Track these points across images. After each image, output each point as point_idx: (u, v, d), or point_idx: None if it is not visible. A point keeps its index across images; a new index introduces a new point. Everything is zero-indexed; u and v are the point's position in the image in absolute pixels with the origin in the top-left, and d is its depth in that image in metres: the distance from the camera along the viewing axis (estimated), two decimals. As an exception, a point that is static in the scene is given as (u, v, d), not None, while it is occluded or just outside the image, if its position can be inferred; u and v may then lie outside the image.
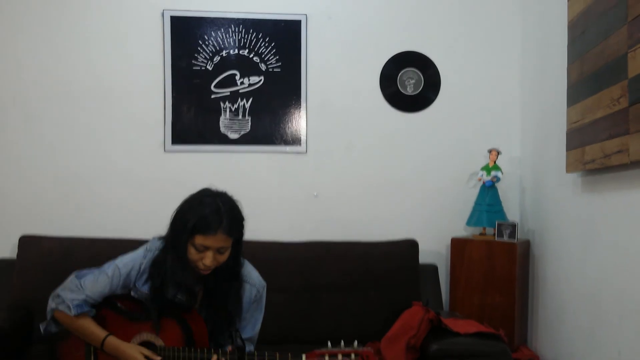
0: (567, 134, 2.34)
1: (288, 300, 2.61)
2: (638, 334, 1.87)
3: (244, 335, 1.95)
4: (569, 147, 2.31)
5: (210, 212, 1.76)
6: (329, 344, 1.69)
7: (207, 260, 1.76)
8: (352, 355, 1.66)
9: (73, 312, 1.82)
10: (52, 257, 2.58)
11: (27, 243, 2.65)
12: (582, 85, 2.21)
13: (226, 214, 1.77)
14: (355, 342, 1.68)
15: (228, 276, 1.89)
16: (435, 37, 3.06)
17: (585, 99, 2.17)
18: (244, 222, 1.85)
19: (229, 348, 1.81)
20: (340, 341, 1.69)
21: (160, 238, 1.92)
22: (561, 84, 2.43)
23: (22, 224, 2.80)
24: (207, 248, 1.76)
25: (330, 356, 1.66)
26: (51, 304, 1.88)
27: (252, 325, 1.99)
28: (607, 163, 1.98)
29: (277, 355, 1.75)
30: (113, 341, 1.83)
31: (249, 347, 1.96)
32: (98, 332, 1.85)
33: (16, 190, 2.88)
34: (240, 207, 1.85)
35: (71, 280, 1.90)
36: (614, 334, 2.03)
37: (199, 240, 1.74)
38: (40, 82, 2.90)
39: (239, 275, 1.92)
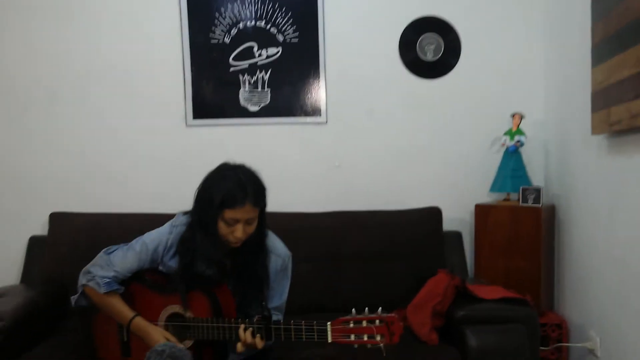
0: (592, 95, 2.28)
1: (313, 270, 2.63)
2: (667, 295, 1.86)
3: (272, 304, 1.97)
4: (594, 109, 2.26)
5: (234, 185, 1.77)
6: (354, 311, 1.70)
7: (238, 232, 1.78)
8: (377, 322, 1.67)
9: (102, 289, 1.86)
10: (81, 233, 2.65)
11: (57, 220, 2.72)
12: (607, 44, 2.14)
13: (250, 184, 1.79)
14: (380, 309, 1.70)
15: (254, 247, 1.91)
16: (455, 0, 2.98)
17: (610, 59, 2.11)
18: (265, 192, 1.86)
19: (256, 318, 1.83)
20: (364, 308, 1.71)
21: (185, 213, 1.94)
22: (585, 44, 2.36)
23: (51, 201, 2.87)
24: (237, 221, 1.77)
25: (354, 323, 1.68)
26: (82, 279, 1.92)
27: (279, 295, 2.01)
28: (634, 124, 1.93)
29: (303, 323, 1.77)
30: (140, 322, 1.87)
31: (278, 316, 1.99)
32: (126, 312, 1.89)
33: (45, 170, 2.95)
34: (260, 176, 1.86)
35: (100, 256, 1.93)
36: (642, 296, 2.01)
37: (229, 214, 1.76)
38: (62, 63, 2.93)
39: (264, 246, 1.94)
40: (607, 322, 2.30)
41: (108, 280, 1.88)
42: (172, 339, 1.85)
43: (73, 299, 1.97)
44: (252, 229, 1.83)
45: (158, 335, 1.85)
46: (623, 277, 2.15)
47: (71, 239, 2.64)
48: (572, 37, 2.61)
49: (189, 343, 1.86)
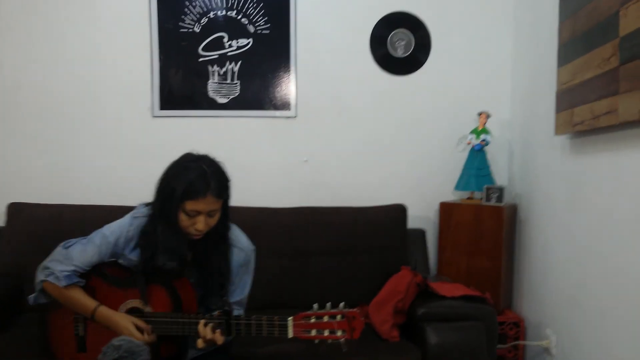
0: (556, 96, 2.31)
1: (277, 266, 2.62)
2: (622, 296, 1.89)
3: (234, 299, 1.95)
4: (559, 109, 2.29)
5: (196, 176, 1.74)
6: (315, 306, 1.70)
7: (200, 224, 1.76)
8: (338, 317, 1.67)
9: (63, 282, 1.81)
10: (40, 225, 2.57)
11: (15, 210, 2.64)
12: (573, 44, 2.17)
13: (213, 176, 1.76)
14: (342, 304, 1.69)
15: (216, 239, 1.88)
16: (426, -3, 2.99)
17: (576, 59, 2.14)
18: (229, 183, 1.83)
19: (217, 313, 1.81)
20: (326, 304, 1.70)
21: (147, 204, 1.91)
22: (552, 44, 2.39)
23: (10, 191, 2.78)
24: (198, 213, 1.75)
25: (316, 318, 1.68)
26: (40, 275, 1.86)
27: (241, 289, 1.99)
28: (596, 124, 1.96)
29: (264, 318, 1.75)
30: (104, 311, 1.83)
31: (239, 311, 1.97)
32: (88, 302, 1.84)
33: (3, 159, 2.87)
34: (224, 168, 1.83)
35: (59, 251, 1.88)
36: (597, 296, 2.05)
37: (190, 205, 1.73)
38: (26, 48, 2.85)
39: (227, 238, 1.91)
40: (562, 321, 2.34)
41: (67, 273, 1.83)
42: (139, 322, 1.81)
43: (31, 298, 1.91)
44: (214, 221, 1.80)
45: (125, 321, 1.81)
46: (579, 277, 2.19)
47: (30, 231, 2.56)
48: (540, 36, 2.64)
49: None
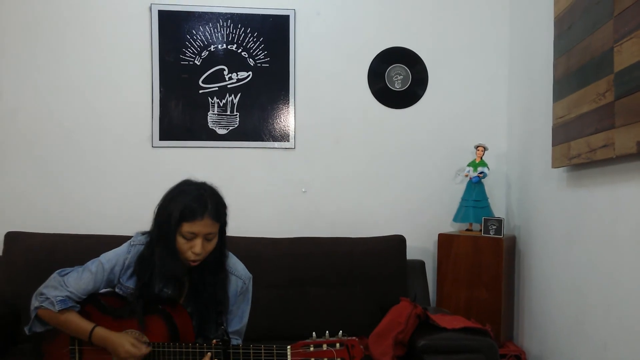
0: (552, 129, 2.35)
1: (276, 296, 2.60)
2: (624, 326, 1.89)
3: (232, 328, 1.94)
4: (555, 143, 2.32)
5: (193, 198, 1.76)
6: (314, 334, 1.69)
7: (197, 248, 1.75)
8: (337, 345, 1.66)
9: (57, 307, 1.79)
10: (38, 254, 2.56)
11: (13, 239, 2.62)
12: (568, 80, 2.22)
13: (210, 198, 1.78)
14: (340, 332, 1.68)
15: (213, 268, 1.88)
16: (423, 33, 3.06)
17: (571, 94, 2.18)
18: (226, 209, 1.85)
19: (214, 342, 1.79)
20: (325, 332, 1.69)
21: (144, 233, 1.91)
22: (547, 80, 2.44)
23: (7, 220, 2.78)
24: (195, 235, 1.75)
25: (315, 346, 1.66)
26: (34, 302, 1.84)
27: (239, 318, 1.98)
28: (593, 157, 1.99)
29: (262, 347, 1.73)
30: (101, 332, 1.81)
31: (237, 340, 1.95)
32: (85, 324, 1.82)
33: (1, 187, 2.86)
34: (221, 194, 1.85)
35: (54, 278, 1.86)
36: (599, 327, 2.04)
37: (187, 227, 1.74)
38: (26, 77, 2.88)
39: (224, 266, 1.91)
40: (564, 353, 2.32)
41: (62, 298, 1.81)
42: (136, 341, 1.79)
43: (26, 328, 1.89)
44: (211, 246, 1.80)
45: (122, 340, 1.79)
46: (580, 309, 2.19)
47: (26, 260, 2.54)
48: (535, 72, 2.70)
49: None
